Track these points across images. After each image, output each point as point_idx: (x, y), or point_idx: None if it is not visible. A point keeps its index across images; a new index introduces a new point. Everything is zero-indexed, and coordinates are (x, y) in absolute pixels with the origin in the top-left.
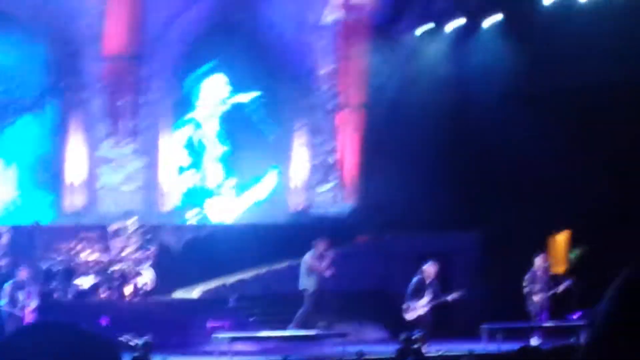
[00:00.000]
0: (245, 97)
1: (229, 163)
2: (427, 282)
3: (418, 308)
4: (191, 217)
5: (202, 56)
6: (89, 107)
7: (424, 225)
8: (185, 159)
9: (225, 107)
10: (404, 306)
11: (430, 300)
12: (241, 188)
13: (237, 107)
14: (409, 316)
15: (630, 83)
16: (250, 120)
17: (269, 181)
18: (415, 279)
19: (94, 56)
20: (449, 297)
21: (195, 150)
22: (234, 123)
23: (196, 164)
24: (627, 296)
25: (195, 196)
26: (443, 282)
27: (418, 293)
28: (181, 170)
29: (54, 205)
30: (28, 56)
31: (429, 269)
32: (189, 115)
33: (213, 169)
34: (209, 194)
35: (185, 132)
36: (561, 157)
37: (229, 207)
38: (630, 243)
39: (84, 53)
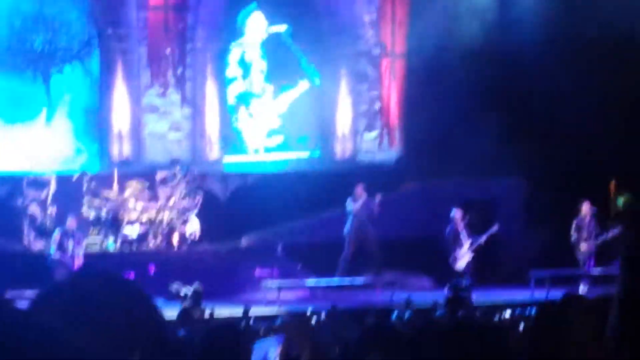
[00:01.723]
0: (281, 29)
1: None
2: (459, 228)
3: (462, 256)
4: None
5: (243, 3)
6: (134, 56)
7: (468, 171)
8: (236, 71)
9: (264, 37)
10: (450, 258)
11: (470, 245)
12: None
13: (275, 39)
14: (458, 266)
15: None
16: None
17: (301, 86)
18: (448, 229)
19: (137, 4)
20: (484, 236)
21: (243, 65)
22: (274, 54)
23: (245, 75)
24: None
25: (244, 98)
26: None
27: (456, 241)
28: (232, 80)
29: (100, 153)
30: (73, 5)
31: (457, 215)
32: (237, 42)
33: (258, 79)
34: (254, 95)
35: (234, 53)
36: (604, 104)
37: (270, 107)
38: None
39: (128, 2)
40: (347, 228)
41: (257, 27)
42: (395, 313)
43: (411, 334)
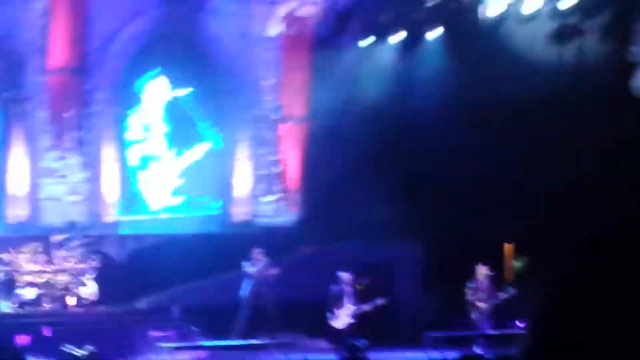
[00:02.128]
0: (183, 92)
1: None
2: (345, 290)
3: (341, 317)
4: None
5: (145, 68)
6: (32, 118)
7: (367, 235)
8: (137, 133)
9: (167, 100)
10: (328, 314)
11: (353, 310)
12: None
13: (177, 102)
14: (335, 324)
15: (572, 94)
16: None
17: (201, 148)
18: (333, 288)
19: (37, 68)
20: (369, 306)
21: (145, 127)
22: (175, 117)
23: (146, 137)
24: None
25: (145, 160)
26: (386, 291)
27: (338, 301)
28: (132, 142)
29: None
30: None
31: (346, 277)
32: (138, 105)
33: (159, 141)
34: (155, 157)
35: (135, 115)
36: (504, 169)
37: (170, 168)
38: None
39: (27, 65)
40: (243, 290)
41: (159, 90)
42: None
43: None
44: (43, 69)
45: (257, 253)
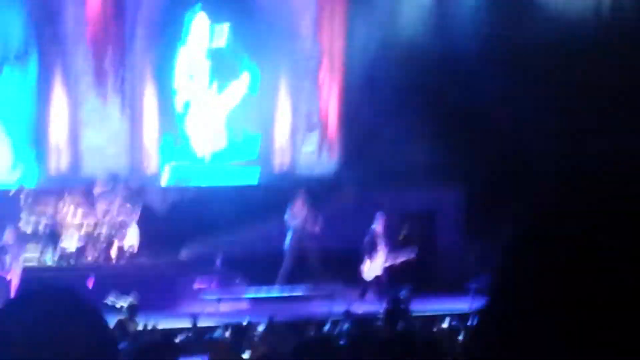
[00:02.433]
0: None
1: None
2: (378, 239)
3: (375, 265)
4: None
5: (184, 4)
6: (72, 61)
7: (408, 181)
8: (182, 74)
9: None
10: (362, 265)
11: (386, 258)
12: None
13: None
14: (366, 276)
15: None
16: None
17: (244, 78)
18: (366, 238)
19: (76, 11)
20: (400, 259)
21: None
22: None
23: (191, 77)
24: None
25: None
26: (428, 238)
27: (371, 251)
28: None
29: (37, 166)
30: (11, 10)
31: (378, 227)
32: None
33: (204, 78)
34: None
35: (180, 55)
36: (543, 114)
37: (216, 105)
38: None
39: (67, 7)
40: (286, 240)
41: (201, 27)
42: (334, 324)
43: (350, 346)
44: (82, 11)
45: (299, 203)
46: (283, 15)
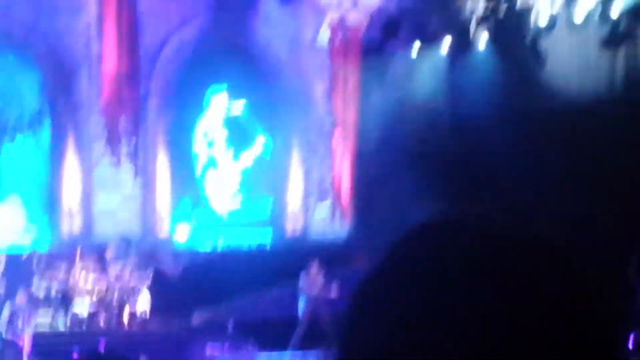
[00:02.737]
0: (238, 103)
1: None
2: None
3: None
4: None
5: (197, 75)
6: (85, 127)
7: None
8: (201, 142)
9: (225, 116)
10: None
11: None
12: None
13: (235, 119)
14: None
15: (623, 101)
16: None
17: (258, 142)
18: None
19: (89, 76)
20: None
21: (207, 136)
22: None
23: (209, 144)
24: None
25: (209, 165)
26: None
27: None
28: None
29: (50, 230)
30: (23, 76)
31: None
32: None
33: (220, 146)
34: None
35: (199, 126)
36: (554, 175)
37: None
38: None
39: (79, 73)
40: (299, 306)
41: (217, 101)
42: None
43: None
44: (96, 76)
45: (312, 268)
46: (297, 85)
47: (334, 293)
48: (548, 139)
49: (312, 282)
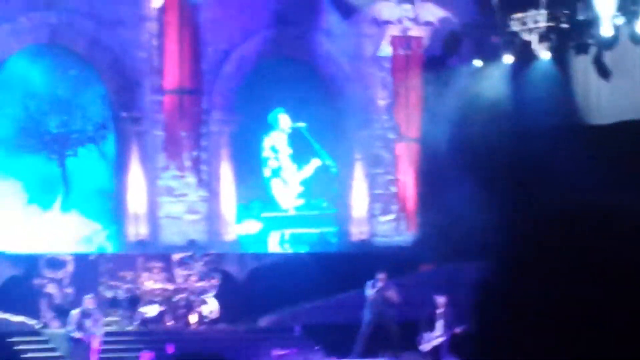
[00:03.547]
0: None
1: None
2: (438, 313)
3: (431, 340)
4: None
5: (260, 88)
6: (150, 138)
7: (484, 254)
8: (268, 154)
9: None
10: (418, 337)
11: (442, 333)
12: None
13: (298, 133)
14: (422, 347)
15: None
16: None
17: (313, 163)
18: (427, 311)
19: (152, 88)
20: (457, 330)
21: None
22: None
23: (276, 158)
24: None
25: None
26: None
27: (430, 324)
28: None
29: (117, 234)
30: (87, 89)
31: (440, 300)
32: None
33: (285, 160)
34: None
35: (266, 141)
36: (616, 188)
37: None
38: None
39: (143, 85)
40: (365, 310)
41: (284, 115)
42: None
43: None
44: (158, 89)
45: (380, 274)
46: (360, 97)
47: (398, 296)
48: (610, 148)
49: (377, 285)
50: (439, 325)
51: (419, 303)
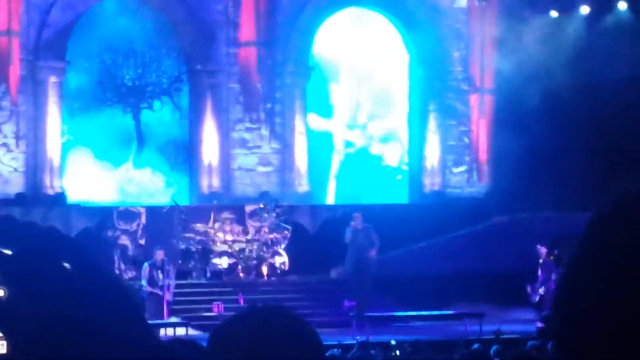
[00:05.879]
0: None
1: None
2: (540, 263)
3: (537, 290)
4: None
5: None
6: (223, 91)
7: (557, 206)
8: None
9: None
10: (527, 289)
11: (543, 282)
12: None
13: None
14: (532, 299)
15: None
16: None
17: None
18: (535, 262)
19: (228, 41)
20: (554, 276)
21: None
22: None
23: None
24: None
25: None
26: None
27: (533, 275)
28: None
29: (190, 186)
30: (162, 41)
31: (540, 250)
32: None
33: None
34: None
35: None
36: None
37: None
38: None
39: (218, 38)
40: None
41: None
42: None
43: None
44: (234, 41)
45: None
46: (436, 46)
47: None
48: None
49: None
50: (541, 275)
51: (490, 254)
